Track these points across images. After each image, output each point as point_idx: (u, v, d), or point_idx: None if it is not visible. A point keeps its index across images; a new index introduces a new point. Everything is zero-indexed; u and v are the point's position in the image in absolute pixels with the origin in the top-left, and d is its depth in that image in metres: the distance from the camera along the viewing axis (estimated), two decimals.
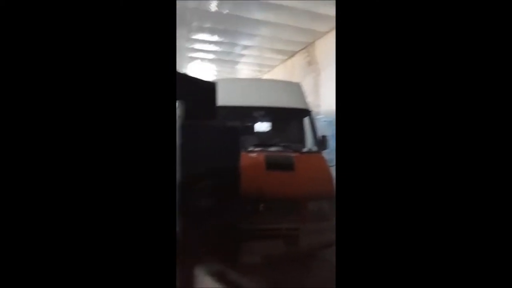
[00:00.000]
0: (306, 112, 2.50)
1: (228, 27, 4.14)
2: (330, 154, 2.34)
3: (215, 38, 4.54)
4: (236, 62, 5.79)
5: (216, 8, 3.58)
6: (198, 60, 5.61)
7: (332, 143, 2.39)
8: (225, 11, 3.65)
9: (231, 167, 1.36)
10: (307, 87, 3.12)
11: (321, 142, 2.34)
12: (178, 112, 1.20)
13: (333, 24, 3.70)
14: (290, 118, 2.57)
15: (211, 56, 5.42)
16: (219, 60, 5.64)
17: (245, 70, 6.42)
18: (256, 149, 2.13)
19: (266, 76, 6.51)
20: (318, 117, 3.64)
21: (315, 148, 2.34)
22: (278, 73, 6.00)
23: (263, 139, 2.30)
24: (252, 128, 2.24)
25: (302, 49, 4.91)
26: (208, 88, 1.49)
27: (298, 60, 5.16)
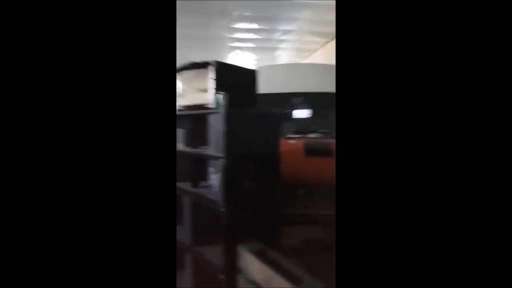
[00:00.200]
0: None
1: (268, 13, 4.09)
2: None
3: (255, 25, 4.54)
4: (276, 49, 5.72)
5: None
6: (238, 49, 5.68)
7: None
8: None
9: (271, 153, 1.40)
10: None
11: None
12: (222, 102, 1.28)
13: None
14: (330, 104, 2.49)
15: (250, 44, 5.44)
16: (258, 48, 5.63)
17: (284, 57, 6.31)
18: (296, 135, 2.14)
19: (306, 61, 6.30)
20: None
21: None
22: (319, 57, 5.74)
23: (302, 126, 2.29)
24: (291, 114, 2.25)
25: None
26: (248, 76, 1.54)
27: None
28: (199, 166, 1.48)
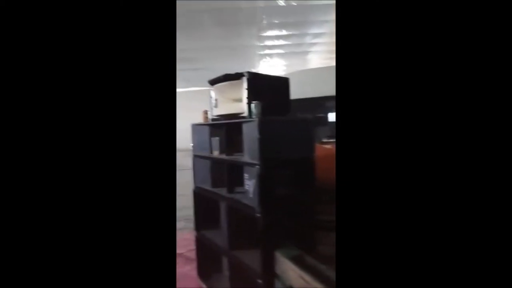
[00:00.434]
0: None
1: (297, 18, 4.11)
2: None
3: (285, 32, 4.58)
4: (307, 53, 5.69)
5: (284, 3, 3.60)
6: (269, 56, 5.78)
7: None
8: (294, 3, 3.64)
9: (306, 159, 1.40)
10: None
11: None
12: (255, 110, 1.32)
13: None
14: None
15: (280, 50, 5.50)
16: (289, 53, 5.66)
17: (316, 60, 6.23)
18: (330, 140, 2.09)
19: None
20: None
21: None
22: None
23: None
24: (325, 118, 2.20)
25: None
26: (281, 84, 1.56)
27: None
28: (234, 172, 1.53)
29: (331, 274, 1.01)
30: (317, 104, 2.26)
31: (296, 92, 1.93)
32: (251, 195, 1.29)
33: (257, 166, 1.23)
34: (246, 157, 1.36)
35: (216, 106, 1.67)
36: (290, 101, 1.56)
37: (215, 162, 1.68)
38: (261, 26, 4.35)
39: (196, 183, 1.82)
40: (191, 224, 3.23)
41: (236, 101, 1.51)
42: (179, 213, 4.02)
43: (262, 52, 5.51)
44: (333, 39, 4.96)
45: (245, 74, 1.40)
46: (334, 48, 5.52)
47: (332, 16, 3.99)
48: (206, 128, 1.75)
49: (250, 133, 1.29)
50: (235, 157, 1.50)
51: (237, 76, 1.45)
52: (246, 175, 1.35)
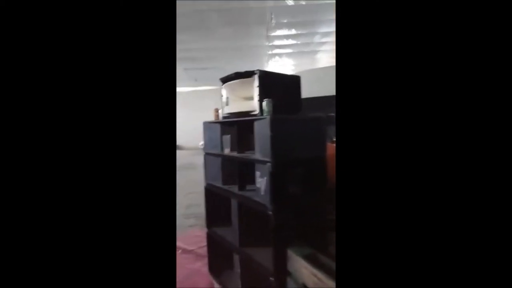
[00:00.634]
0: None
1: (307, 17, 4.09)
2: None
3: (294, 31, 4.57)
4: (316, 52, 5.65)
5: (293, 3, 3.59)
6: (278, 56, 5.77)
7: None
8: (303, 2, 3.62)
9: (317, 157, 1.39)
10: None
11: None
12: (267, 108, 1.32)
13: None
14: None
15: (289, 50, 5.48)
16: (298, 52, 5.64)
17: (325, 59, 6.18)
18: None
19: None
20: None
21: None
22: None
23: None
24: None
25: None
26: (292, 83, 1.56)
27: None
28: (246, 170, 1.54)
29: None
30: (328, 103, 2.24)
31: (306, 91, 1.93)
32: (262, 193, 1.30)
33: (269, 164, 1.24)
34: (257, 155, 1.36)
35: (227, 104, 1.68)
36: (301, 99, 1.56)
37: (226, 159, 1.69)
38: (270, 25, 4.35)
39: (207, 180, 1.84)
40: (201, 221, 3.27)
41: (247, 99, 1.52)
42: (189, 210, 4.08)
43: (271, 52, 5.51)
44: None
45: (256, 72, 1.41)
46: None
47: None
48: (217, 126, 1.77)
49: (262, 131, 1.30)
50: (247, 154, 1.51)
51: (248, 74, 1.45)
52: (257, 173, 1.35)
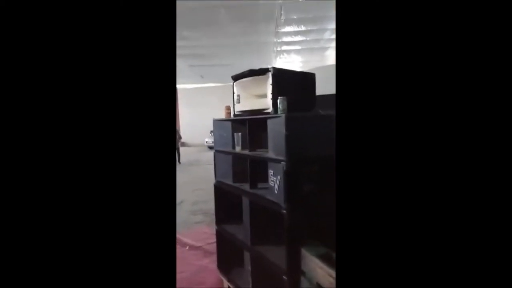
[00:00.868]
0: None
1: (316, 13, 4.03)
2: None
3: (303, 27, 4.51)
4: (325, 49, 5.58)
5: None
6: (286, 53, 5.72)
7: None
8: None
9: (331, 156, 1.37)
10: None
11: None
12: (281, 106, 1.30)
13: None
14: None
15: (298, 47, 5.42)
16: (307, 49, 5.57)
17: (334, 56, 6.11)
18: None
19: None
20: None
21: None
22: None
23: None
24: None
25: None
26: (306, 80, 1.54)
27: None
28: (257, 168, 1.53)
29: None
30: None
31: (320, 88, 1.90)
32: (276, 191, 1.29)
33: (283, 163, 1.22)
34: (271, 153, 1.35)
35: (238, 101, 1.67)
36: (315, 97, 1.54)
37: (237, 157, 1.69)
38: (279, 22, 4.30)
39: (217, 178, 1.84)
40: (209, 218, 3.30)
41: (260, 97, 1.50)
42: (196, 207, 4.10)
43: (279, 49, 5.46)
44: None
45: (270, 69, 1.39)
46: None
47: None
48: (228, 124, 1.76)
49: (276, 129, 1.29)
50: (259, 152, 1.50)
51: (262, 72, 1.44)
52: (270, 171, 1.34)
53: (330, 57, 5.96)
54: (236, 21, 4.37)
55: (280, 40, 4.97)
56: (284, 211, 1.22)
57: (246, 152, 1.56)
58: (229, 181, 1.73)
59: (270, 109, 1.39)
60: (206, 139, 11.56)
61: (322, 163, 1.32)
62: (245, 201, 1.54)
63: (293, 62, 6.39)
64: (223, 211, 1.85)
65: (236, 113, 1.69)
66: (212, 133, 12.23)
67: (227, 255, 1.86)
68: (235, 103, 1.69)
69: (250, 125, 1.55)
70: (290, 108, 1.30)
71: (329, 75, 2.46)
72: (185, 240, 2.72)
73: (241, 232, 1.62)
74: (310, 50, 5.58)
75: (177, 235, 2.75)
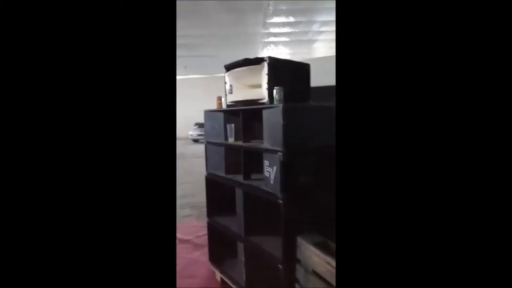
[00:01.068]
0: None
1: (306, 4, 4.00)
2: None
3: (292, 19, 4.48)
4: (313, 41, 5.59)
5: None
6: (273, 44, 5.66)
7: None
8: None
9: (327, 146, 1.39)
10: None
11: None
12: (278, 96, 1.29)
13: None
14: None
15: (285, 38, 5.39)
16: (295, 41, 5.55)
17: (322, 49, 6.14)
18: None
19: None
20: None
21: None
22: None
23: None
24: (334, 107, 2.19)
25: None
26: (302, 70, 1.53)
27: None
28: (251, 159, 1.52)
29: None
30: (325, 93, 2.23)
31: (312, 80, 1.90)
32: (272, 182, 1.28)
33: (280, 153, 1.22)
34: (266, 144, 1.34)
35: (231, 92, 1.63)
36: (310, 87, 1.54)
37: (229, 148, 1.66)
38: (268, 11, 4.23)
39: (209, 170, 1.81)
40: (197, 212, 3.27)
41: (254, 87, 1.48)
42: (184, 201, 4.04)
43: (266, 40, 5.39)
44: None
45: (266, 59, 1.36)
46: None
47: None
48: (221, 115, 1.72)
49: (272, 120, 1.27)
50: (254, 143, 1.48)
51: (257, 61, 1.41)
52: (266, 162, 1.33)
53: (318, 49, 5.98)
54: (223, 10, 4.25)
55: (267, 31, 4.90)
56: (281, 201, 1.23)
57: (240, 143, 1.54)
58: (221, 173, 1.71)
59: (266, 99, 1.37)
60: (190, 132, 11.34)
61: (319, 154, 1.33)
62: (239, 193, 1.53)
63: (280, 54, 6.36)
64: (214, 203, 1.83)
65: (228, 103, 1.66)
66: (196, 126, 12.09)
67: (219, 247, 1.85)
68: (227, 94, 1.65)
69: (244, 115, 1.53)
70: (285, 99, 1.29)
71: (317, 68, 2.48)
72: None
73: (235, 223, 1.61)
74: (298, 42, 5.56)
75: None
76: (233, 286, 1.64)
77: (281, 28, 4.76)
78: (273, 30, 4.83)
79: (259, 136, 1.50)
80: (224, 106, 1.71)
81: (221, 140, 1.71)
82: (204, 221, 1.96)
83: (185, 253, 2.31)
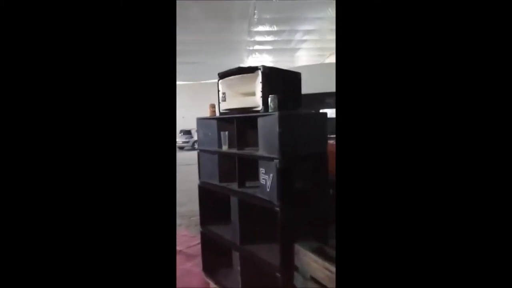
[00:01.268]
0: None
1: (290, 14, 4.12)
2: None
3: (275, 28, 4.59)
4: (296, 50, 5.74)
5: None
6: (258, 52, 5.75)
7: None
8: None
9: (321, 153, 1.43)
10: None
11: None
12: (272, 104, 1.31)
13: None
14: None
15: (269, 46, 5.50)
16: (279, 49, 5.68)
17: (305, 57, 6.32)
18: (332, 135, 2.14)
19: (327, 61, 6.27)
20: None
21: None
22: None
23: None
24: (325, 115, 2.25)
25: None
26: (293, 79, 1.57)
27: None
28: (245, 167, 1.52)
29: None
30: (318, 100, 2.30)
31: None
32: (268, 189, 1.29)
33: (276, 160, 1.24)
34: (262, 151, 1.35)
35: (224, 100, 1.64)
36: (301, 95, 1.58)
37: (223, 156, 1.65)
38: (253, 20, 4.31)
39: (202, 178, 1.78)
40: (187, 221, 3.18)
41: (248, 95, 1.50)
42: None
43: (251, 48, 5.47)
44: (323, 36, 5.06)
45: (260, 67, 1.39)
46: (323, 45, 5.63)
47: (324, 13, 4.06)
48: (213, 122, 1.72)
49: (268, 127, 1.29)
50: (249, 151, 1.49)
51: (251, 70, 1.43)
52: (262, 169, 1.34)
53: (300, 58, 6.16)
54: (209, 18, 4.28)
55: (252, 39, 4.99)
56: (278, 209, 1.24)
57: (235, 150, 1.54)
58: (215, 181, 1.69)
59: (260, 107, 1.39)
60: (177, 139, 11.13)
61: (312, 160, 1.36)
62: (234, 201, 1.52)
63: (264, 62, 6.47)
64: (208, 212, 1.81)
65: (221, 111, 1.66)
66: (181, 133, 11.88)
67: (213, 257, 1.82)
68: (220, 101, 1.65)
69: (238, 123, 1.54)
70: (279, 107, 1.31)
71: (308, 75, 2.55)
72: None
73: (229, 232, 1.60)
74: (282, 51, 5.70)
75: None
76: None
77: (266, 36, 4.87)
78: (258, 38, 4.93)
79: (253, 144, 1.51)
80: (217, 114, 1.71)
81: (214, 148, 1.70)
82: (194, 231, 1.93)
83: (177, 264, 2.24)
